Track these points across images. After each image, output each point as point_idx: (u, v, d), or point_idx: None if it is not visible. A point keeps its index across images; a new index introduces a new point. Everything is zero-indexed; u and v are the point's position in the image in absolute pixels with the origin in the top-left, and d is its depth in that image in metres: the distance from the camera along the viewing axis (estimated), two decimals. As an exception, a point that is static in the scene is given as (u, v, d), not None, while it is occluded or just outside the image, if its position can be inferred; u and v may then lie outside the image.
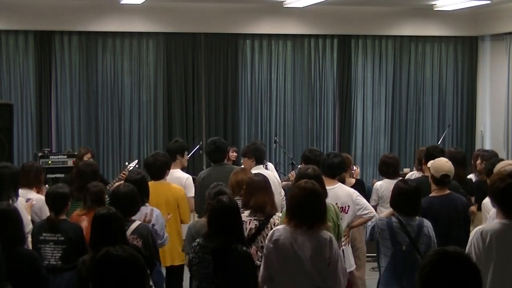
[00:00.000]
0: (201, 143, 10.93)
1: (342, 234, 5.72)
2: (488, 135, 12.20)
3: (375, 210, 6.66)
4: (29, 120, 10.98)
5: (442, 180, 5.77)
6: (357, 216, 6.20)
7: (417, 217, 5.19)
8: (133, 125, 11.39)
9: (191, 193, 6.72)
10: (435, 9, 11.42)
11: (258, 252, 5.07)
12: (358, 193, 6.25)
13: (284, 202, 6.54)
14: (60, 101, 11.10)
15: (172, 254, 6.30)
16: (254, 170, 6.70)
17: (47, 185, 7.01)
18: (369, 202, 6.58)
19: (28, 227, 5.43)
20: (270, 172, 7.38)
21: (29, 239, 5.24)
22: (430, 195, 5.81)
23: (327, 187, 6.03)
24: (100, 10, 10.94)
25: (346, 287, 4.93)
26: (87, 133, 11.17)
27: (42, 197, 5.79)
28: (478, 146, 11.87)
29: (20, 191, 5.77)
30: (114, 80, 11.30)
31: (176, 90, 11.39)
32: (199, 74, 11.51)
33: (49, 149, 10.22)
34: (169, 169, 6.53)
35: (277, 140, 11.30)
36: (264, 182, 5.42)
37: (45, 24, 10.85)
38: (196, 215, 6.88)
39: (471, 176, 7.34)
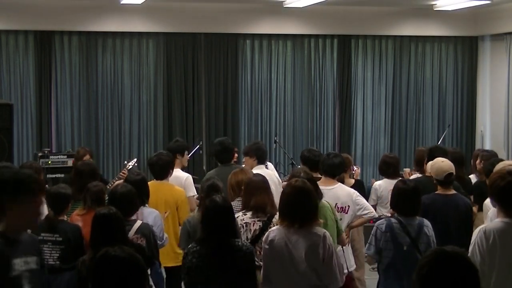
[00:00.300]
0: (201, 143, 10.94)
1: (343, 229, 5.72)
2: (488, 135, 12.19)
3: (374, 210, 6.67)
4: (29, 120, 10.98)
5: (447, 180, 5.80)
6: (357, 216, 6.21)
7: (417, 217, 5.21)
8: (133, 125, 11.39)
9: (192, 192, 6.72)
10: (435, 9, 11.42)
11: (261, 253, 5.07)
12: (358, 193, 6.26)
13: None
14: (60, 101, 11.10)
15: (169, 255, 6.29)
16: (256, 170, 6.72)
17: (47, 185, 7.01)
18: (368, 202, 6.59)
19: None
20: (271, 171, 7.39)
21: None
22: (436, 192, 5.85)
23: (327, 187, 6.05)
24: (100, 10, 10.94)
25: (345, 286, 4.94)
26: (87, 133, 11.17)
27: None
28: (478, 146, 11.87)
29: (20, 191, 5.76)
30: (114, 80, 11.30)
31: (176, 90, 11.39)
32: (199, 74, 11.51)
33: (49, 149, 10.23)
34: (172, 169, 6.53)
35: (277, 140, 11.30)
36: (263, 182, 5.42)
37: (45, 24, 10.85)
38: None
39: (472, 176, 7.34)
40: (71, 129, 11.13)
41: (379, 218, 6.74)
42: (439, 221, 5.54)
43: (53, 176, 9.36)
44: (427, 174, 6.66)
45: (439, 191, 5.87)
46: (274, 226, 5.09)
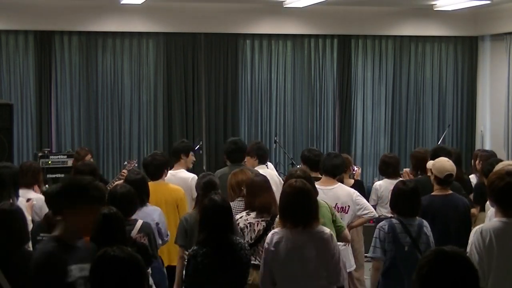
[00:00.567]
0: (201, 143, 10.95)
1: (344, 226, 5.72)
2: (488, 135, 12.19)
3: (374, 210, 6.67)
4: (29, 120, 10.97)
5: (446, 180, 5.81)
6: (357, 216, 6.21)
7: (417, 217, 5.22)
8: (133, 125, 11.39)
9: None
10: (435, 9, 11.41)
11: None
12: (358, 193, 6.27)
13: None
14: (60, 101, 11.10)
15: (170, 254, 6.28)
16: (257, 170, 6.72)
17: (47, 185, 7.02)
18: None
19: (29, 227, 5.42)
20: (271, 171, 7.40)
21: (29, 239, 5.24)
22: (432, 193, 5.84)
23: (327, 187, 6.07)
24: (100, 10, 10.94)
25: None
26: (87, 133, 11.17)
27: (42, 197, 5.79)
28: (478, 146, 11.87)
29: (20, 191, 5.77)
30: (114, 80, 11.30)
31: (176, 90, 11.39)
32: (199, 74, 11.51)
33: (49, 149, 10.24)
34: (167, 169, 6.52)
35: (277, 140, 11.30)
36: (264, 182, 5.44)
37: (45, 24, 10.84)
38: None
39: (472, 176, 7.34)
40: (71, 129, 11.12)
41: (379, 218, 6.75)
42: (439, 221, 5.55)
43: (53, 176, 9.37)
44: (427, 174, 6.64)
45: (436, 191, 5.85)
46: (276, 225, 5.10)
